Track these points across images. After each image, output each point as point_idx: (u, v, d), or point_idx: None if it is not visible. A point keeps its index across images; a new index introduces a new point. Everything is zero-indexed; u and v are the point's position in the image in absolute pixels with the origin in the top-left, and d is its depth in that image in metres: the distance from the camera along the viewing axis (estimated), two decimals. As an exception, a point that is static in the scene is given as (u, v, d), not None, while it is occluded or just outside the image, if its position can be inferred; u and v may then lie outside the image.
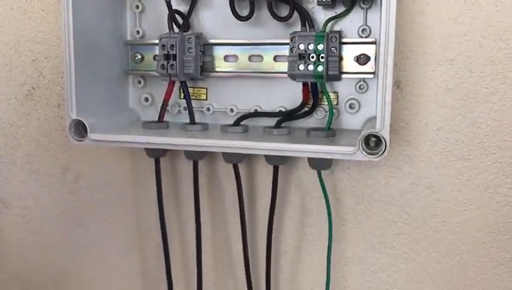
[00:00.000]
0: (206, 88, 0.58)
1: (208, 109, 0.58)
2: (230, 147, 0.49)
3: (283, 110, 0.56)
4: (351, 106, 0.54)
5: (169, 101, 0.56)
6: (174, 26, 0.55)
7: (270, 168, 0.55)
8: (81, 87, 0.51)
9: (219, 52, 0.56)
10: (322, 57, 0.50)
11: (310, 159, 0.52)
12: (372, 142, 0.46)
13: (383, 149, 0.45)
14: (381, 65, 0.45)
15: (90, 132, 0.51)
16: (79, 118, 0.51)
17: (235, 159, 0.54)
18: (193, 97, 0.58)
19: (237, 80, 0.57)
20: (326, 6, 0.52)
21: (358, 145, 0.45)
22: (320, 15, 0.53)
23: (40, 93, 0.65)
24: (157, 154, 0.57)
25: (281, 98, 0.56)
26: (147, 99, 0.60)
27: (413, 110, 0.54)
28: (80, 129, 0.52)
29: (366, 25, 0.52)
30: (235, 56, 0.56)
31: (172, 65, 0.53)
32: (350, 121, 0.54)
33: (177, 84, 0.56)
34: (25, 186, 0.68)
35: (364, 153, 0.45)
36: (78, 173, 0.66)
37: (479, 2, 0.50)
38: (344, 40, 0.52)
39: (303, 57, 0.50)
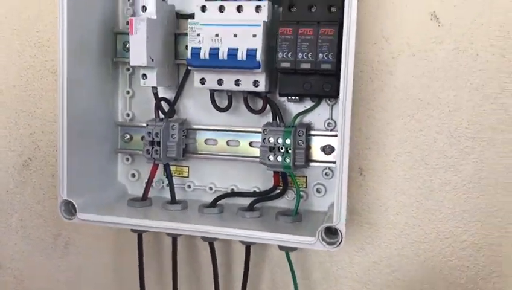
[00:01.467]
0: (188, 166, 0.63)
1: (189, 186, 0.63)
2: (205, 232, 0.54)
3: (257, 190, 0.61)
4: (318, 191, 0.59)
5: (154, 178, 0.62)
6: (160, 113, 0.60)
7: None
8: (73, 167, 0.56)
9: (200, 136, 0.62)
10: (290, 149, 0.55)
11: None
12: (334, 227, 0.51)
13: (340, 240, 0.49)
14: (337, 162, 0.50)
15: (79, 212, 0.56)
16: (69, 199, 0.56)
17: (210, 238, 0.59)
18: (175, 174, 0.63)
19: (216, 161, 0.62)
20: (296, 102, 0.58)
21: (317, 236, 0.50)
22: (291, 107, 0.59)
23: (36, 164, 0.70)
24: (140, 230, 0.61)
25: (255, 178, 0.61)
26: (133, 175, 0.65)
27: (374, 195, 0.59)
28: (70, 208, 0.57)
29: (332, 119, 0.57)
30: (215, 140, 0.61)
31: (156, 150, 0.58)
32: (318, 203, 0.59)
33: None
34: (18, 249, 0.73)
35: (323, 243, 0.50)
36: (68, 239, 0.70)
37: (433, 102, 0.56)
38: (312, 132, 0.57)
39: (273, 148, 0.55)
